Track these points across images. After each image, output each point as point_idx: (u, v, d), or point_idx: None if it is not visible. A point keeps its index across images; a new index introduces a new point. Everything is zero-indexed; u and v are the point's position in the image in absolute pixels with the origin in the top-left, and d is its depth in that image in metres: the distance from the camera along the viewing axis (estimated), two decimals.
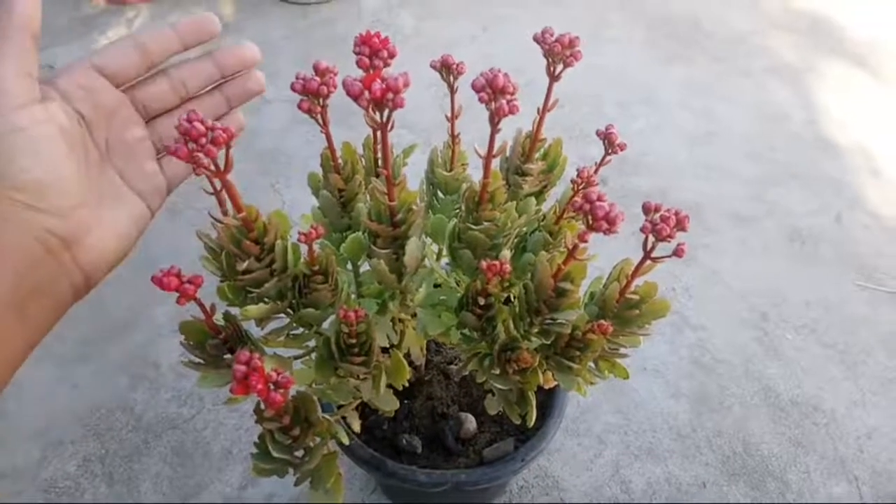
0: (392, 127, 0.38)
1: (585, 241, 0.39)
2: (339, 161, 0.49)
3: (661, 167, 1.44)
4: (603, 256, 0.55)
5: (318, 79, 0.40)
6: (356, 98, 0.35)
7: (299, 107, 0.40)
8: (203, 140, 0.33)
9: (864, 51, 1.82)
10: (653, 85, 1.67)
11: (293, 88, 0.40)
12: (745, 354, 1.09)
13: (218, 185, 0.38)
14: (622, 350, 0.53)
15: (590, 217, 0.37)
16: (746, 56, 1.79)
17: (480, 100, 0.37)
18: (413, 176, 0.49)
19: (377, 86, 0.35)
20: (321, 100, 0.41)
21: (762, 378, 1.06)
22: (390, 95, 0.35)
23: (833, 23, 1.92)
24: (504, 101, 0.37)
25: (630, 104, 1.60)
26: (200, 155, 0.33)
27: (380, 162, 0.51)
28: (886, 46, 1.84)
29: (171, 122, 0.43)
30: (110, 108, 0.41)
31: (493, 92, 0.37)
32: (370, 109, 0.36)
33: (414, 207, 0.46)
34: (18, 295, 0.34)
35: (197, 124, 0.33)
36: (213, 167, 0.35)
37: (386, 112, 0.36)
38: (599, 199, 0.37)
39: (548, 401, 0.72)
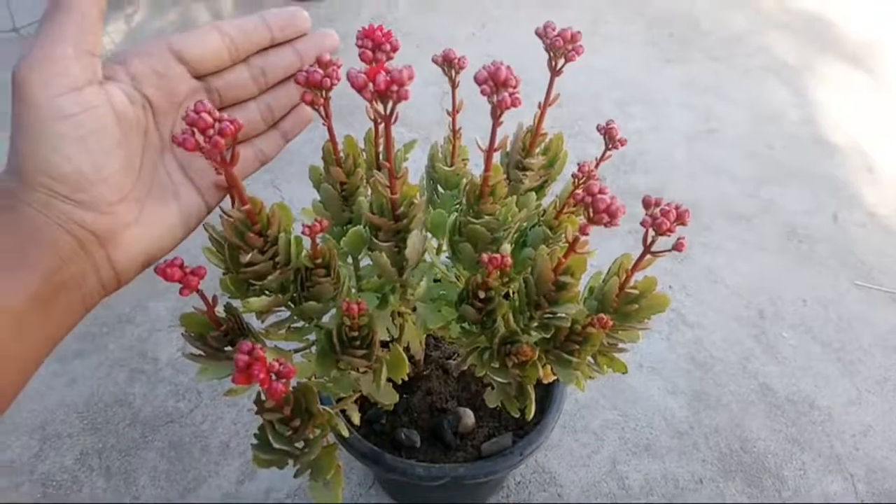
0: (396, 120, 0.38)
1: (586, 234, 0.39)
2: (341, 154, 0.49)
3: (659, 166, 1.45)
4: (601, 254, 0.55)
5: (321, 71, 0.40)
6: (360, 90, 0.35)
7: (302, 99, 0.40)
8: (210, 131, 0.33)
9: (860, 50, 1.83)
10: (651, 84, 1.68)
11: (297, 81, 0.40)
12: (741, 352, 1.10)
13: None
14: (621, 345, 0.53)
15: (591, 210, 0.38)
16: (744, 55, 1.80)
17: (482, 92, 0.38)
18: (412, 173, 0.49)
19: (381, 78, 0.35)
20: (324, 92, 0.41)
21: (759, 375, 1.06)
22: (395, 87, 0.35)
23: (830, 22, 1.93)
24: (506, 94, 0.37)
25: (628, 103, 1.61)
26: (207, 146, 0.34)
27: (381, 155, 0.51)
28: (883, 46, 1.84)
29: (245, 113, 0.42)
30: (182, 96, 0.39)
31: (496, 85, 0.37)
32: (374, 102, 0.36)
33: (415, 201, 0.46)
34: (46, 290, 0.33)
35: (205, 115, 0.33)
36: (219, 159, 0.35)
37: (390, 104, 0.36)
38: (601, 191, 0.37)
39: (546, 396, 0.73)
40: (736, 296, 1.19)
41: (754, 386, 1.05)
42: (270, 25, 0.41)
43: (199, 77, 0.40)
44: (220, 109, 0.41)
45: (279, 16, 0.41)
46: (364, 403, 0.73)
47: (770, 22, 1.93)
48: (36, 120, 0.33)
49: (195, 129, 0.33)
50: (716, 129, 1.55)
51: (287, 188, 1.32)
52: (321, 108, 0.41)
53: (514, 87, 0.37)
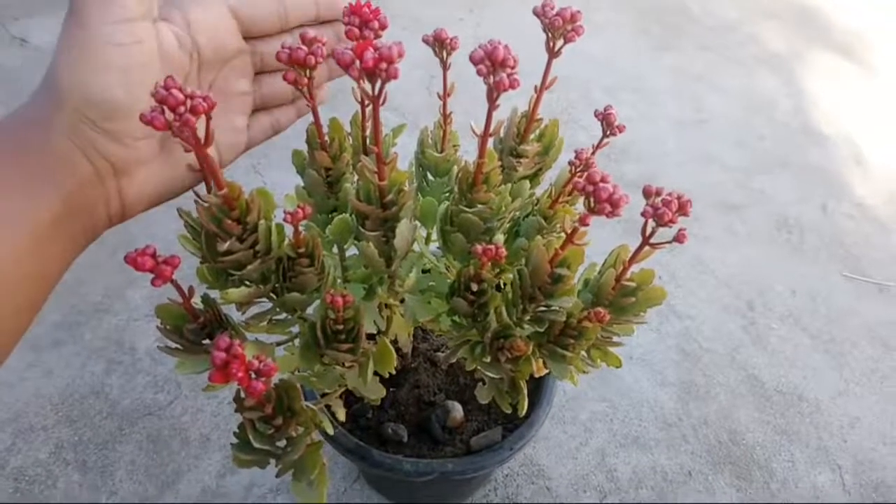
0: (385, 100, 0.36)
1: (587, 225, 0.37)
2: (326, 138, 0.47)
3: (649, 155, 1.43)
4: (591, 244, 0.53)
5: (305, 48, 0.37)
6: (346, 68, 0.33)
7: (284, 77, 0.38)
8: (181, 109, 0.31)
9: (850, 40, 1.82)
10: (641, 72, 1.66)
11: (278, 58, 0.37)
12: (731, 343, 1.09)
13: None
14: (615, 338, 0.52)
15: (592, 199, 0.35)
16: (735, 44, 1.78)
17: (479, 73, 0.35)
18: (401, 159, 0.47)
19: (370, 55, 0.32)
20: (308, 70, 0.38)
21: (748, 367, 1.06)
22: (384, 65, 0.32)
23: (821, 12, 1.92)
24: (504, 75, 0.35)
25: (618, 91, 1.59)
26: (178, 125, 0.31)
27: (369, 139, 0.49)
28: (873, 36, 1.84)
29: (279, 81, 0.42)
30: (229, 53, 0.40)
31: (493, 65, 0.35)
32: (361, 81, 0.34)
33: (405, 188, 0.43)
34: (63, 213, 0.33)
35: (175, 92, 0.31)
36: (192, 139, 0.32)
37: (378, 83, 0.34)
38: (603, 180, 0.35)
39: (536, 389, 0.71)
40: (725, 286, 1.18)
41: (743, 377, 1.04)
42: (321, 3, 0.42)
43: (246, 38, 0.41)
44: (258, 74, 0.43)
45: None
46: (350, 397, 0.71)
47: (761, 11, 1.92)
48: (85, 41, 0.33)
49: (164, 107, 0.30)
50: (706, 118, 1.54)
51: (269, 174, 1.29)
52: (305, 88, 0.39)
53: (513, 68, 0.35)
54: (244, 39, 0.41)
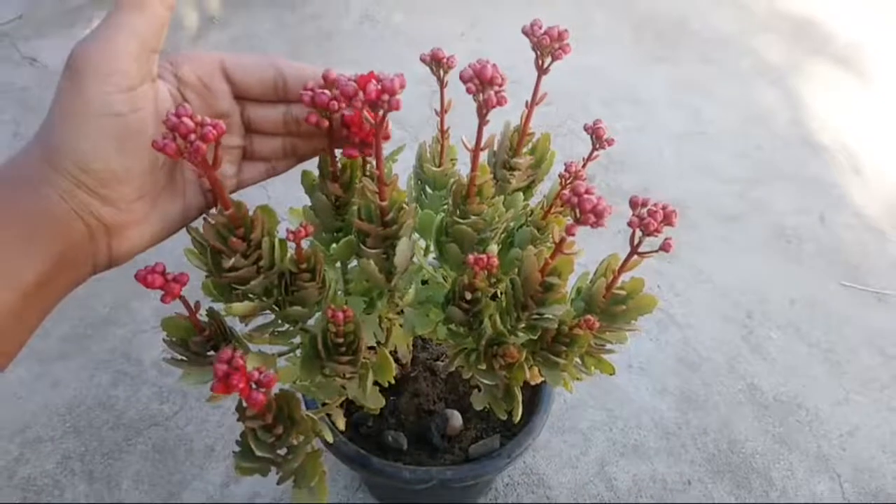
0: (387, 128, 0.37)
1: (573, 235, 0.39)
2: (339, 165, 0.47)
3: (647, 165, 1.44)
4: (589, 254, 0.55)
5: (328, 92, 0.38)
6: (350, 99, 0.35)
7: (307, 120, 0.39)
8: (192, 136, 0.33)
9: (847, 52, 1.83)
10: (639, 84, 1.68)
11: (302, 100, 0.38)
12: (729, 352, 1.10)
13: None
14: (608, 346, 0.53)
15: (577, 210, 0.37)
16: (732, 56, 1.80)
17: (468, 91, 0.37)
18: (401, 173, 0.48)
19: (372, 87, 0.34)
20: (330, 114, 0.39)
21: (747, 376, 1.07)
22: (385, 97, 0.34)
23: (817, 24, 1.94)
24: (492, 93, 0.36)
25: (616, 103, 1.61)
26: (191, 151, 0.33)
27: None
28: (869, 47, 1.85)
29: (270, 143, 0.43)
30: (219, 113, 0.40)
31: (481, 83, 0.36)
32: (364, 111, 0.35)
33: (405, 207, 0.45)
34: (52, 272, 0.33)
35: (186, 120, 0.32)
36: (202, 164, 0.34)
37: (381, 113, 0.35)
38: (587, 192, 0.36)
39: (534, 397, 0.72)
40: (724, 296, 1.19)
41: (742, 386, 1.05)
42: (328, 79, 0.40)
43: (238, 98, 0.40)
44: (249, 132, 0.42)
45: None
46: (350, 405, 0.72)
47: (759, 24, 1.94)
48: (82, 111, 0.32)
49: (176, 134, 0.32)
50: (705, 129, 1.55)
51: (273, 186, 1.31)
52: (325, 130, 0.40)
53: (500, 86, 0.37)
54: (237, 99, 0.40)
